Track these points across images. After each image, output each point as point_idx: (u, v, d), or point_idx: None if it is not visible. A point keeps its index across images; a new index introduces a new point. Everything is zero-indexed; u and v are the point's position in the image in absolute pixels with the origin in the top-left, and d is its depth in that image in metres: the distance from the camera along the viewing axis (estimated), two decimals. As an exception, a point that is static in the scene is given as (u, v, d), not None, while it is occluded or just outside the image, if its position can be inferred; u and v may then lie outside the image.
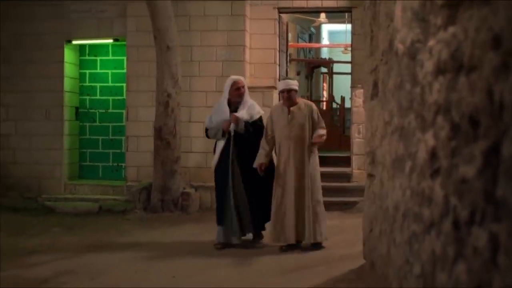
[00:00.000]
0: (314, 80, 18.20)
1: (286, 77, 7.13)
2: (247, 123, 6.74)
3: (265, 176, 6.65)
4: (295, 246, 6.58)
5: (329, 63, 18.04)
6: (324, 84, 19.97)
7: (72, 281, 5.90)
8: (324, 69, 18.92)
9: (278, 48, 10.60)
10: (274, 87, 10.16)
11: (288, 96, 6.58)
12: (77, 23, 10.72)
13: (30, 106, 10.85)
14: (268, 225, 6.79)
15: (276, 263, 6.24)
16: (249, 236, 7.01)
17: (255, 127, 6.78)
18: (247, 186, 6.71)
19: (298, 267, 6.10)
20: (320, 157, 10.98)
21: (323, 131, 6.71)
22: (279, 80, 10.30)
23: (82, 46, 11.34)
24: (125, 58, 10.70)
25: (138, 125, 10.29)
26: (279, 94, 7.18)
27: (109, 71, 11.29)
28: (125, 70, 10.73)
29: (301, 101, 6.77)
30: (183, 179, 9.66)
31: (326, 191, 9.38)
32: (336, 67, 18.10)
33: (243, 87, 6.82)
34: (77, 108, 11.27)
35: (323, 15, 14.26)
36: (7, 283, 5.98)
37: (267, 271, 5.94)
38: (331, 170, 10.13)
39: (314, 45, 18.55)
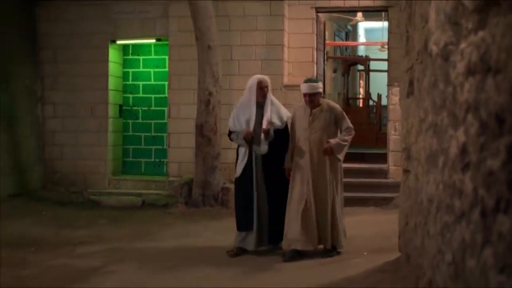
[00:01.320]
0: (350, 77, 18.27)
1: (310, 78, 6.69)
2: (274, 132, 6.45)
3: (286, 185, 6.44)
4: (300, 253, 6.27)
5: (365, 60, 18.08)
6: (361, 82, 20.01)
7: (120, 270, 6.20)
8: (360, 67, 18.96)
9: (315, 47, 10.79)
10: (311, 85, 10.38)
11: (310, 100, 6.28)
12: (121, 24, 11.07)
13: (76, 104, 11.23)
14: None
15: (311, 256, 6.46)
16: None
17: (281, 136, 6.47)
18: (269, 197, 6.44)
19: (335, 259, 6.26)
20: (357, 154, 11.18)
21: (344, 138, 6.27)
22: (315, 77, 10.50)
23: (125, 46, 11.69)
24: (167, 57, 11.03)
25: (180, 122, 10.59)
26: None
27: (152, 70, 11.62)
28: (167, 69, 11.05)
29: (325, 103, 6.44)
30: (223, 175, 9.92)
31: (363, 187, 9.60)
32: (373, 65, 18.13)
33: (266, 87, 6.54)
34: (120, 106, 11.63)
35: (359, 13, 14.35)
36: (59, 272, 6.34)
37: (305, 263, 6.13)
38: (368, 166, 10.32)
39: (350, 43, 18.62)
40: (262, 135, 6.39)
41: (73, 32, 11.19)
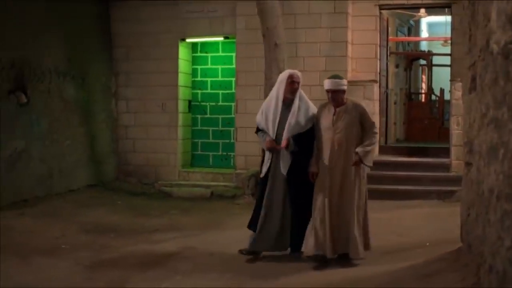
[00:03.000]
0: (413, 72, 18.22)
1: (335, 75, 6.14)
2: (297, 136, 6.03)
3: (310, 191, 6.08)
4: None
5: (428, 55, 18.01)
6: (423, 76, 19.89)
7: (195, 256, 6.60)
8: (423, 61, 18.87)
9: (378, 43, 10.96)
10: (375, 81, 10.62)
11: (333, 98, 5.92)
12: (190, 23, 11.48)
13: (147, 100, 11.72)
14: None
15: (376, 245, 6.69)
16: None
17: (307, 138, 6.08)
18: (291, 200, 6.09)
19: (398, 249, 6.47)
20: (419, 148, 11.29)
21: (368, 144, 5.98)
22: (382, 74, 10.68)
23: (194, 44, 12.11)
24: (234, 54, 11.41)
25: (247, 117, 10.86)
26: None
27: (219, 67, 12.02)
28: (234, 66, 11.43)
29: (349, 102, 6.03)
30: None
31: (426, 180, 9.70)
32: (435, 59, 18.04)
33: (298, 82, 6.13)
34: (189, 101, 12.06)
35: (422, 9, 14.35)
36: (138, 256, 6.78)
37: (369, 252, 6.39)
38: (430, 160, 10.43)
39: (413, 38, 18.53)
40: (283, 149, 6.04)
41: (145, 31, 11.66)
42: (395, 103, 14.20)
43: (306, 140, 6.05)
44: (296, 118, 6.03)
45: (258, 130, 6.35)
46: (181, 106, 11.77)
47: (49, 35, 9.80)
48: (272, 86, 9.53)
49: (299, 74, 6.22)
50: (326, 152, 5.93)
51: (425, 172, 9.91)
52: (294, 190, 6.07)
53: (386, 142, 11.63)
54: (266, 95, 9.82)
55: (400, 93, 15.48)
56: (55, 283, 5.78)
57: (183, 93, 11.82)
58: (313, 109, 6.18)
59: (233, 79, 11.49)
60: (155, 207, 9.90)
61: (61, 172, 10.09)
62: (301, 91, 6.18)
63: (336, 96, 5.91)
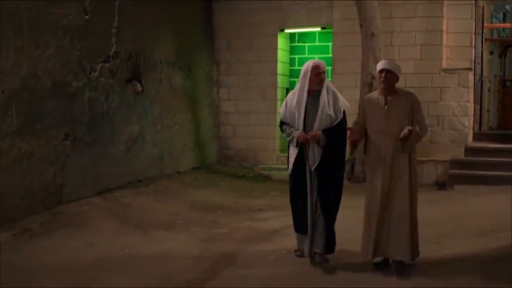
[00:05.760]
0: (507, 59, 17.91)
1: (391, 59, 5.66)
2: (329, 130, 5.64)
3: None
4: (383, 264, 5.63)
5: (524, 41, 17.66)
6: (519, 63, 19.49)
7: (296, 234, 7.16)
8: (519, 47, 18.50)
9: (474, 31, 11.02)
10: (470, 69, 10.74)
11: (385, 78, 5.43)
12: (289, 14, 11.98)
13: (247, 87, 12.33)
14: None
15: (457, 227, 6.97)
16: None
17: (339, 132, 5.69)
18: (324, 197, 5.78)
19: (480, 231, 6.70)
20: (505, 135, 11.28)
21: (419, 132, 5.46)
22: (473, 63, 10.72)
23: (292, 34, 12.65)
24: (330, 44, 11.83)
25: (343, 105, 11.33)
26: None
27: (316, 56, 12.34)
28: (330, 55, 11.82)
29: (401, 91, 5.60)
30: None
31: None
32: (532, 45, 17.67)
33: (323, 72, 5.72)
34: (287, 89, 12.49)
35: (519, -4, 14.17)
36: (245, 232, 7.41)
37: (448, 233, 6.71)
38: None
39: (510, 25, 18.23)
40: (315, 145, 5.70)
41: (245, 22, 12.24)
42: (488, 90, 14.16)
43: (337, 134, 5.68)
44: (327, 110, 5.65)
45: (282, 123, 6.03)
46: (280, 93, 12.27)
47: (160, 29, 10.51)
48: (368, 73, 9.99)
49: (324, 64, 5.84)
50: (375, 145, 5.54)
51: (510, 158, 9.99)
52: (324, 188, 5.76)
53: (480, 129, 11.73)
54: (363, 83, 10.21)
55: (493, 80, 15.37)
56: (177, 253, 6.47)
57: (281, 81, 12.34)
58: (342, 100, 5.81)
59: (330, 67, 11.75)
60: (256, 188, 10.51)
61: (170, 155, 10.81)
62: (328, 82, 5.84)
63: (388, 77, 5.44)
